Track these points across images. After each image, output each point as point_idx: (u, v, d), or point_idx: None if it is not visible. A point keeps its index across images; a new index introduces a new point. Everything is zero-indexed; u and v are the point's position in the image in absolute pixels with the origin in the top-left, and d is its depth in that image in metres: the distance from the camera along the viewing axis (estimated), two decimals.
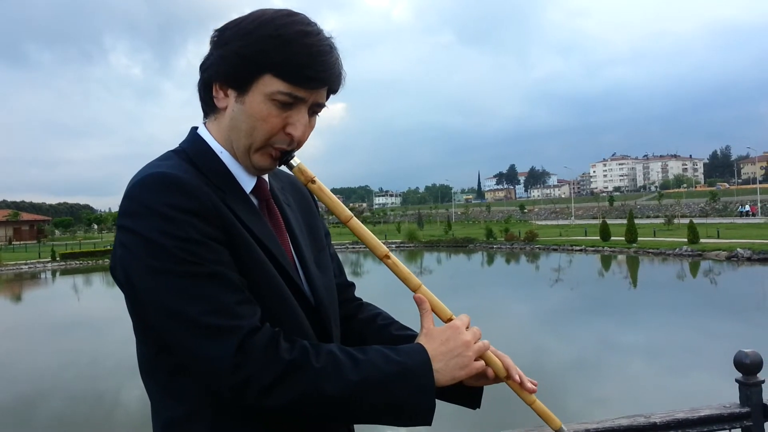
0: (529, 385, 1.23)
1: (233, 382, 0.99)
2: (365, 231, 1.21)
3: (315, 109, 1.15)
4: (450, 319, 1.19)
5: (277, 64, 1.07)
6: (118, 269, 1.06)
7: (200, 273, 1.01)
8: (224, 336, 0.99)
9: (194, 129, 1.21)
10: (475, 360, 1.15)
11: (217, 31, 1.14)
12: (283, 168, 1.22)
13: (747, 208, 79.38)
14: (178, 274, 1.00)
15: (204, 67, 1.15)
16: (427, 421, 1.07)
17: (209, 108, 1.18)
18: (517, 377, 1.22)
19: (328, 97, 1.17)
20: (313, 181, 1.19)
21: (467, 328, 1.16)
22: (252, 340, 1.00)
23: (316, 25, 1.12)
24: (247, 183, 1.18)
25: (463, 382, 1.19)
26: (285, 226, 1.24)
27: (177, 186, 1.03)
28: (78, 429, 9.08)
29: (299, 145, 1.15)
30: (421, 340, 1.14)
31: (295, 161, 1.17)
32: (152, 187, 1.03)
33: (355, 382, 1.03)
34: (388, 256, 1.20)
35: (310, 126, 1.16)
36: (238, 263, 1.07)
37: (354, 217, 1.21)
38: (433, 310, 1.18)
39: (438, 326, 1.17)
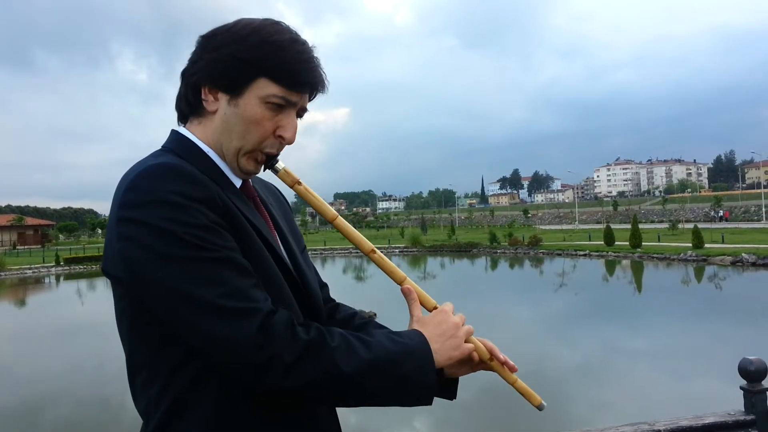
0: (512, 363, 1.29)
1: (257, 363, 1.00)
2: (351, 229, 1.27)
3: (301, 112, 1.21)
4: (435, 308, 1.25)
5: (273, 68, 1.13)
6: (118, 263, 1.05)
7: (214, 258, 1.02)
8: (245, 318, 1.00)
9: (175, 131, 1.23)
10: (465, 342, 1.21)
11: (203, 37, 1.18)
12: (266, 176, 1.28)
13: (721, 213, 79.83)
14: (191, 259, 1.01)
15: (191, 71, 1.18)
16: (429, 400, 1.13)
17: (193, 111, 1.20)
18: (501, 357, 1.28)
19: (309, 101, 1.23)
20: (299, 183, 1.24)
21: (453, 313, 1.23)
22: (272, 320, 1.02)
23: (298, 34, 1.18)
24: (235, 182, 1.21)
25: (444, 372, 1.24)
26: (273, 224, 1.28)
27: (183, 175, 1.05)
28: None
29: (281, 148, 1.20)
30: (414, 326, 1.20)
31: (280, 165, 1.23)
32: (158, 177, 1.04)
33: (368, 360, 1.06)
34: (374, 251, 1.27)
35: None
36: (241, 252, 1.09)
37: (339, 217, 1.27)
38: (419, 301, 1.25)
39: (426, 314, 1.23)
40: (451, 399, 1.34)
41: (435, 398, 1.30)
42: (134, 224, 1.02)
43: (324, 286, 1.46)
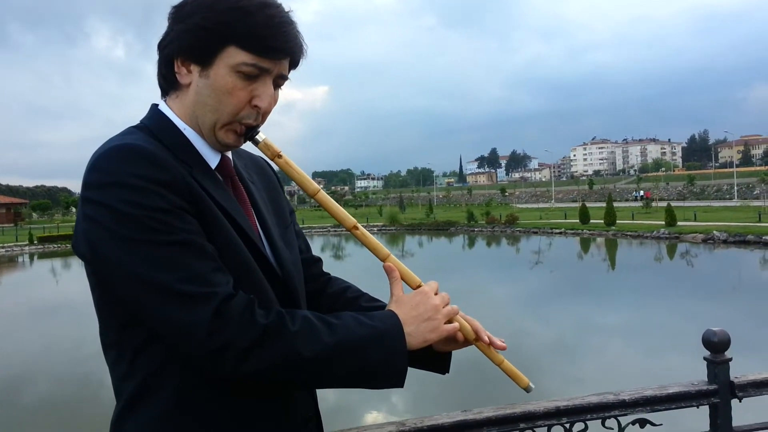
0: (499, 343, 1.27)
1: (211, 348, 0.98)
2: (333, 203, 1.23)
3: (278, 81, 1.16)
4: (419, 286, 1.22)
5: (241, 35, 1.08)
6: (83, 243, 1.04)
7: (172, 241, 1.00)
8: (200, 302, 0.99)
9: (155, 106, 1.20)
10: (446, 323, 1.18)
11: (174, 7, 1.14)
12: (246, 147, 1.24)
13: (641, 193, 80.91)
14: (149, 243, 0.99)
15: (164, 44, 1.14)
16: (399, 384, 1.11)
17: (170, 85, 1.17)
18: (486, 338, 1.26)
19: (290, 70, 1.18)
20: (280, 156, 1.20)
21: (436, 293, 1.20)
22: (228, 305, 1.00)
23: None
24: (212, 159, 1.18)
25: (432, 347, 1.23)
26: (250, 202, 1.24)
27: (145, 157, 1.03)
28: (64, 410, 9.05)
29: (264, 118, 1.16)
30: (391, 306, 1.17)
31: (261, 137, 1.18)
32: (119, 159, 1.02)
33: (331, 345, 1.04)
34: (356, 227, 1.22)
35: (275, 98, 1.17)
36: (206, 235, 1.06)
37: (321, 190, 1.23)
38: (402, 279, 1.21)
39: (407, 293, 1.20)
40: (443, 373, 1.33)
41: (426, 366, 1.30)
42: (95, 205, 1.01)
43: (317, 261, 1.44)
